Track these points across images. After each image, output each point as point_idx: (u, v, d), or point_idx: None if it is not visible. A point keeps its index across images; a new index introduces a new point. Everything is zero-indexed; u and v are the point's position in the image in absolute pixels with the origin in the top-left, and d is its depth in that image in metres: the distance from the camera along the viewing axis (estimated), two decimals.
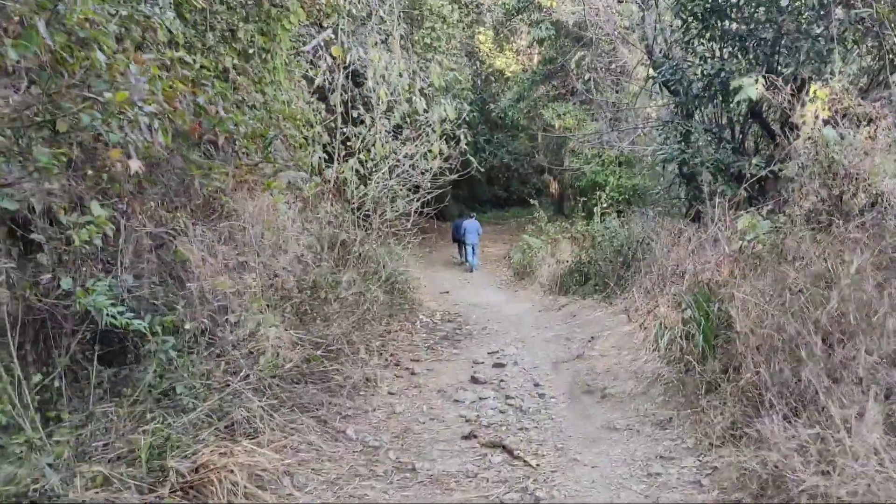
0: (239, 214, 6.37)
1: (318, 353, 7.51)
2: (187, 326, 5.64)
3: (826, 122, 6.14)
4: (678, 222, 10.90)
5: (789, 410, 4.50)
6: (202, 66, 6.64)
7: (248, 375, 5.77)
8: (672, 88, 12.29)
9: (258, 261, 6.40)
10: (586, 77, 15.88)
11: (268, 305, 6.51)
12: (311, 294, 7.48)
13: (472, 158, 11.73)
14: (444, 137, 11.73)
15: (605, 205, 18.29)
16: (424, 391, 7.45)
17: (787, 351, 4.68)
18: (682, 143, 11.19)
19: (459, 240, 21.44)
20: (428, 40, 19.34)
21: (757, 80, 6.01)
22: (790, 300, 4.94)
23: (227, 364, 5.83)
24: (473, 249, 20.46)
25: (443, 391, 7.41)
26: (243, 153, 6.96)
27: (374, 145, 9.85)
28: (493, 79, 28.02)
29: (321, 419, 6.30)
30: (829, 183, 5.64)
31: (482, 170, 11.41)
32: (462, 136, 11.53)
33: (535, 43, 22.65)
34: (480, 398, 7.11)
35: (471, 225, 20.58)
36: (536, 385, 7.46)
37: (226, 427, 5.27)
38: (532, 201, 20.87)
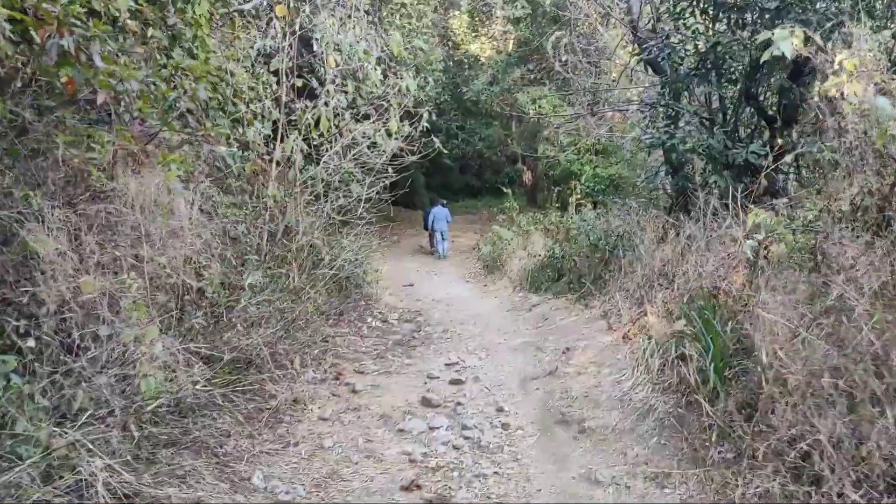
0: (120, 196, 4.80)
1: (235, 368, 5.99)
2: (30, 343, 4.10)
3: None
4: (663, 216, 9.47)
5: (852, 486, 3.07)
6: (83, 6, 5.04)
7: (113, 411, 4.22)
8: (658, 68, 10.86)
9: (147, 255, 4.83)
10: (563, 59, 14.40)
11: (164, 313, 4.97)
12: (227, 298, 5.93)
13: (435, 139, 10.19)
14: (406, 115, 10.21)
15: (579, 195, 16.89)
16: (364, 416, 5.95)
17: (847, 403, 3.23)
18: (670, 127, 9.74)
19: (431, 230, 20.33)
20: (397, 18, 17.72)
21: (793, 33, 4.57)
22: (845, 330, 3.49)
23: (91, 393, 4.28)
24: (443, 236, 19.60)
25: (386, 417, 5.91)
26: (138, 119, 5.37)
27: (319, 119, 8.24)
28: (467, 64, 26.41)
29: (222, 461, 4.77)
30: (883, 170, 4.20)
31: (446, 152, 9.85)
32: (425, 114, 10.00)
33: (509, 24, 21.04)
34: (431, 427, 5.63)
35: (440, 212, 19.69)
36: (500, 410, 5.98)
37: (67, 488, 3.73)
38: (504, 190, 19.38)
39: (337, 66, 8.65)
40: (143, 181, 4.76)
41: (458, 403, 6.15)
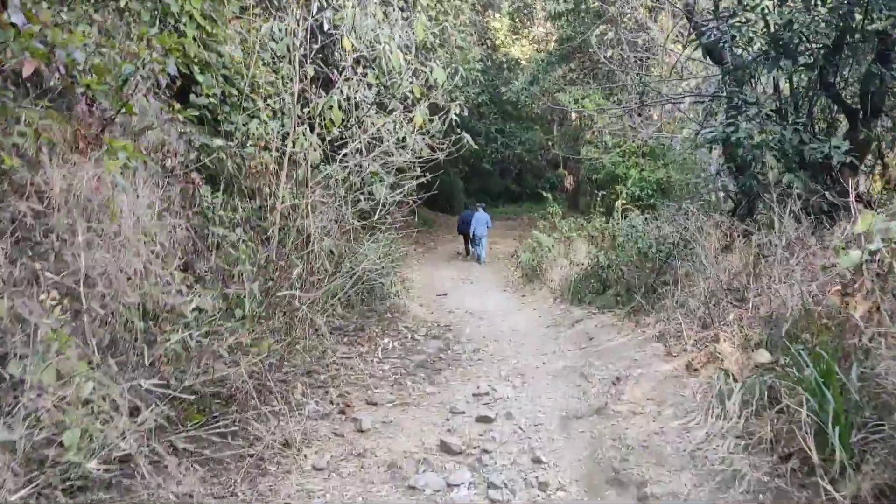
0: (47, 193, 3.66)
1: (212, 405, 4.84)
2: None
3: None
4: (728, 222, 8.07)
5: None
6: None
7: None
8: (718, 55, 9.45)
9: (80, 267, 3.68)
10: (609, 54, 13.07)
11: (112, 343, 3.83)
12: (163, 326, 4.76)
13: (467, 136, 8.93)
14: (437, 110, 8.99)
15: (625, 199, 15.45)
16: (368, 465, 4.71)
17: None
18: (736, 119, 8.33)
19: (465, 233, 19.40)
20: (432, 13, 16.54)
21: None
22: None
23: None
24: (481, 241, 18.52)
25: (395, 467, 4.66)
26: (85, 97, 4.24)
27: (332, 111, 7.05)
28: (506, 66, 25.12)
29: None
30: None
31: (476, 147, 8.58)
32: (454, 108, 8.76)
33: (550, 20, 19.68)
34: (449, 485, 4.37)
35: (480, 216, 18.61)
36: (536, 461, 4.69)
37: None
38: (545, 194, 18.05)
39: (355, 50, 7.45)
40: (76, 173, 3.60)
41: (485, 451, 4.87)
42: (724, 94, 8.90)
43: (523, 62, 25.52)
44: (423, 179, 9.87)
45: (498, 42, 28.34)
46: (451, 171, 28.99)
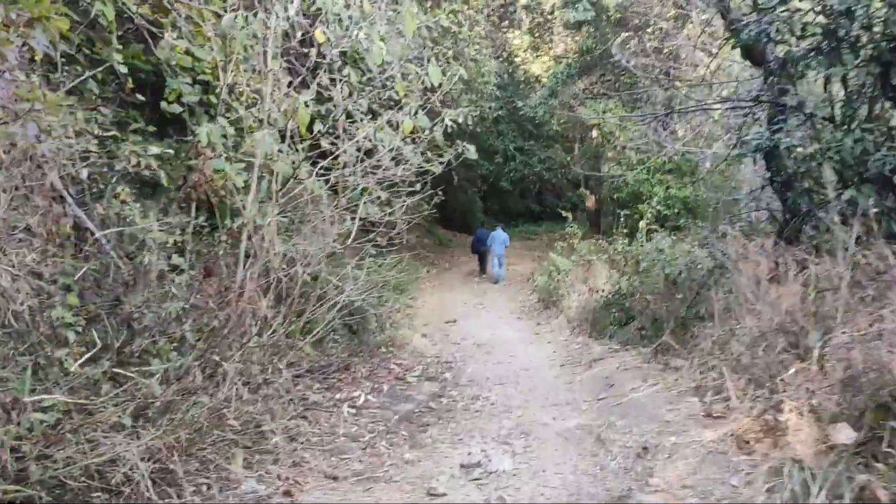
0: None
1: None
2: None
3: None
4: (774, 247, 6.61)
5: None
6: None
7: None
8: (758, 55, 8.03)
9: None
10: (632, 63, 11.71)
11: None
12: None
13: (468, 147, 7.59)
14: (433, 116, 7.69)
15: (649, 219, 13.96)
16: None
17: None
18: (782, 126, 6.90)
19: (481, 251, 18.77)
20: (445, 23, 15.27)
21: None
22: None
23: None
24: (500, 261, 17.71)
25: None
26: None
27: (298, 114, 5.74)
28: (525, 81, 23.80)
29: None
30: None
31: (475, 156, 7.19)
32: (452, 115, 7.48)
33: (569, 29, 18.30)
34: None
35: (498, 235, 17.83)
36: None
37: None
38: (565, 214, 16.62)
39: (329, 43, 6.17)
40: None
41: None
42: (768, 97, 7.45)
43: (543, 79, 24.21)
44: (423, 196, 8.61)
45: (518, 59, 27.10)
46: (470, 190, 27.68)
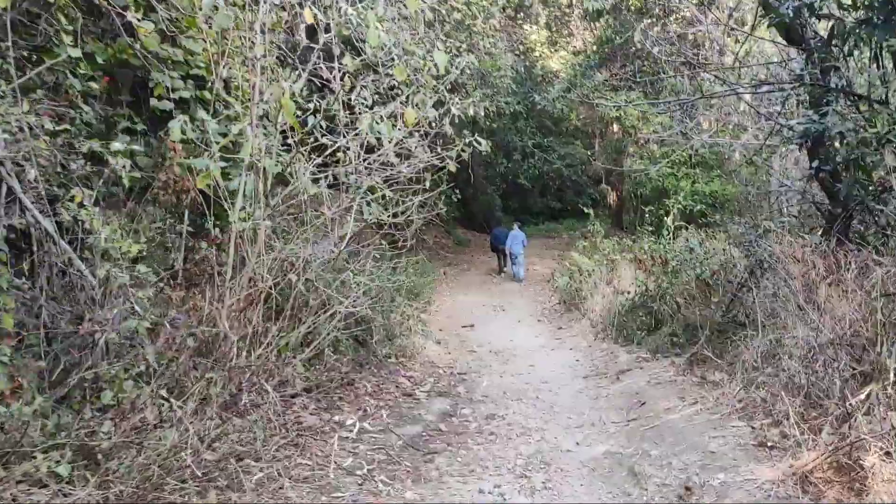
0: None
1: None
2: None
3: None
4: (825, 245, 5.79)
5: None
6: None
7: None
8: (798, 32, 7.17)
9: None
10: (655, 49, 10.84)
11: None
12: None
13: (477, 139, 6.86)
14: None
15: (675, 216, 13.11)
16: None
17: None
18: (828, 109, 6.06)
19: (498, 250, 18.17)
20: (458, 16, 14.53)
21: None
22: None
23: None
24: (518, 260, 17.22)
25: None
26: None
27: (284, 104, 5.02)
28: (541, 76, 22.92)
29: None
30: None
31: (487, 150, 6.41)
32: (461, 105, 6.78)
33: (588, 19, 17.43)
34: None
35: (516, 234, 17.33)
36: None
37: None
38: (586, 210, 15.81)
39: (318, 22, 5.47)
40: None
41: None
42: (810, 78, 6.61)
43: (562, 74, 23.36)
44: (437, 194, 7.97)
45: (535, 54, 26.27)
46: (489, 188, 26.90)
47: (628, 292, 10.06)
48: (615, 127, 23.47)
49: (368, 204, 6.80)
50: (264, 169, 5.45)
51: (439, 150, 7.21)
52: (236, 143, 5.48)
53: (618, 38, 15.27)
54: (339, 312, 6.37)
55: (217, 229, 5.26)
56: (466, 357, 9.03)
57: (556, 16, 23.84)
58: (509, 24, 20.44)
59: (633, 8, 15.02)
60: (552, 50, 26.08)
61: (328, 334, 6.28)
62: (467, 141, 6.71)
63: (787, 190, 8.34)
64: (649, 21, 12.62)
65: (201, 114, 5.25)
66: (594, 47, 17.22)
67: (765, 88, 7.64)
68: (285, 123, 5.58)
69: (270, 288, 5.40)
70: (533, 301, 14.91)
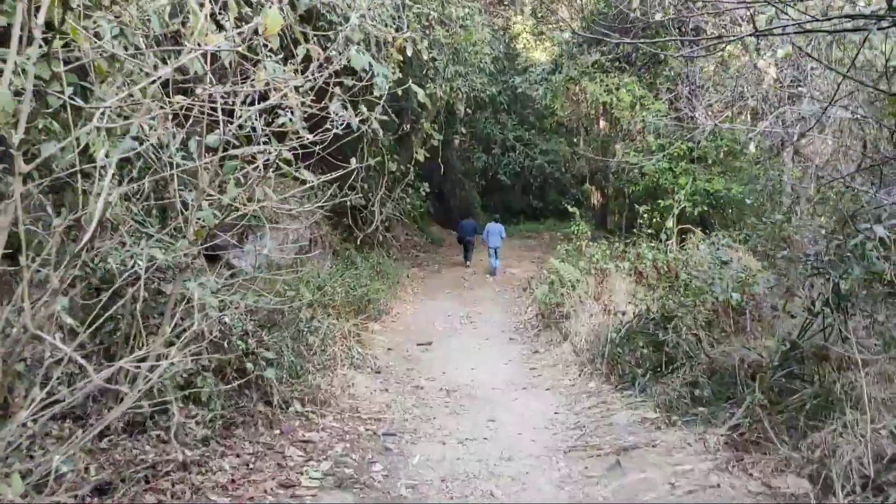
0: None
1: None
2: None
3: None
4: None
5: None
6: None
7: None
8: None
9: None
10: (656, 16, 8.24)
11: None
12: None
13: (410, 85, 4.21)
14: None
15: (675, 216, 10.53)
16: None
17: None
18: None
19: (465, 241, 17.23)
20: None
21: None
22: None
23: None
24: (496, 253, 16.24)
25: None
26: None
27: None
28: (527, 69, 20.29)
29: None
30: None
31: (423, 100, 3.61)
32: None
33: None
34: None
35: (494, 227, 16.30)
36: None
37: None
38: (571, 209, 13.20)
39: None
40: None
41: None
42: None
43: (545, 57, 20.70)
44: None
45: (519, 45, 23.62)
46: (468, 184, 24.24)
47: (623, 312, 7.44)
48: (602, 123, 20.86)
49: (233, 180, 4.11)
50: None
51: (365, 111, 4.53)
52: None
53: (612, 9, 12.60)
54: (196, 335, 3.72)
55: None
56: (407, 399, 6.35)
57: (543, 1, 21.18)
58: (491, 9, 17.77)
59: None
60: (538, 41, 23.47)
61: (147, 384, 3.57)
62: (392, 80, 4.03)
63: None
64: None
65: None
66: (582, 23, 14.51)
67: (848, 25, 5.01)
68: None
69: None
70: (506, 311, 12.26)
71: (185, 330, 3.83)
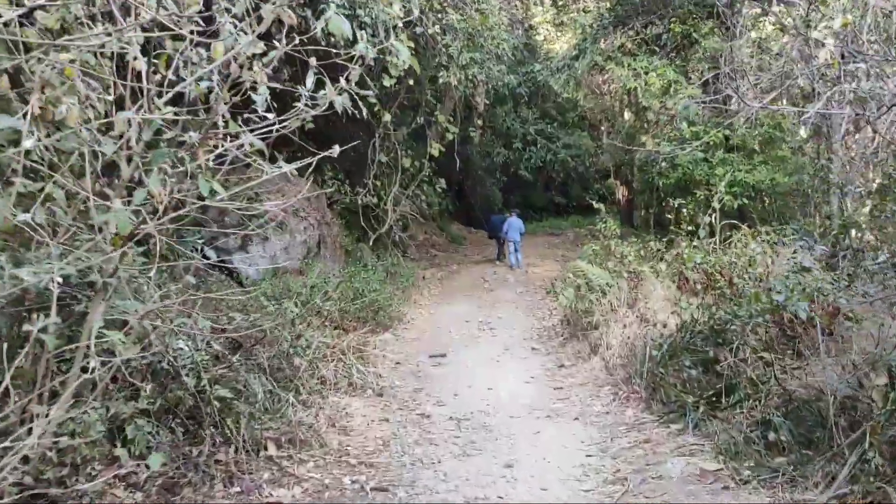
0: None
1: None
2: None
3: None
4: None
5: None
6: None
7: None
8: None
9: None
10: None
11: None
12: None
13: (395, 45, 3.12)
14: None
15: (712, 212, 9.20)
16: None
17: None
18: None
19: (497, 237, 16.48)
20: None
21: None
22: None
23: None
24: (516, 247, 15.67)
25: None
26: None
27: None
28: (548, 58, 19.03)
29: None
30: None
31: (409, 63, 2.44)
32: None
33: None
34: None
35: (514, 222, 15.69)
36: None
37: None
38: (596, 205, 11.95)
39: None
40: None
41: None
42: None
43: (567, 45, 19.42)
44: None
45: (539, 36, 22.36)
46: (488, 181, 23.03)
47: (664, 324, 6.24)
48: (626, 115, 19.51)
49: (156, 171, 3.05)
50: None
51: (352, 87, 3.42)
52: None
53: None
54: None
55: None
56: (410, 432, 5.23)
57: None
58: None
59: None
60: (559, 31, 22.17)
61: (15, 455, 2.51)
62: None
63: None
64: None
65: None
66: (609, 3, 13.21)
67: None
68: None
69: None
70: (529, 315, 11.09)
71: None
